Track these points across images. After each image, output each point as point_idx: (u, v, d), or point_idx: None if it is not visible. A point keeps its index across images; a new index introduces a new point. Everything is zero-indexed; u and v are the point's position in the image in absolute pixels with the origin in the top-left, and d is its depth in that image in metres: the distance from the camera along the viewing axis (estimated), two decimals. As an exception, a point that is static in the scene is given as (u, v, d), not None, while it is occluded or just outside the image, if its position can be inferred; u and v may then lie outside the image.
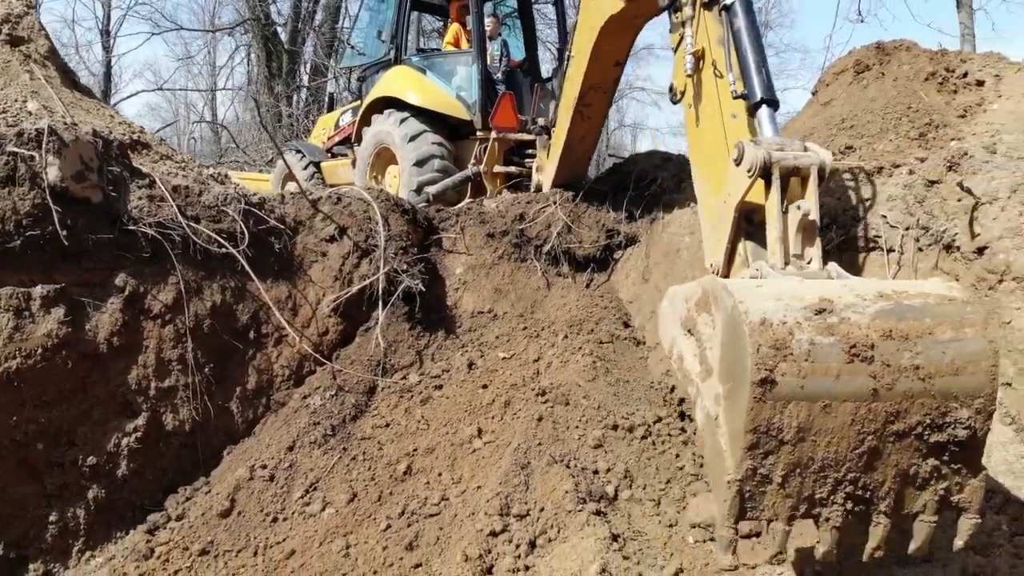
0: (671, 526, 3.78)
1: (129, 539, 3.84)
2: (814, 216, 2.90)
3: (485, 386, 4.93)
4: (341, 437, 4.58)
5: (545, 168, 6.71)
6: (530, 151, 8.18)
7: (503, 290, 6.01)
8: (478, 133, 8.06)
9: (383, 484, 4.23)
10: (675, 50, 3.96)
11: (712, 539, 3.69)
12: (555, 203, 6.23)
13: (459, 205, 7.02)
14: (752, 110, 3.36)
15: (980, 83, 5.92)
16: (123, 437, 4.08)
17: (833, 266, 2.88)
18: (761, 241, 3.09)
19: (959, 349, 2.28)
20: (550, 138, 6.92)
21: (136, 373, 4.17)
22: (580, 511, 3.68)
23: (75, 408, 3.93)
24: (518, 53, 9.29)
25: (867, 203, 4.16)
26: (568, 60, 5.95)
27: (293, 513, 4.00)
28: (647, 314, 5.52)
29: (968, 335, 2.29)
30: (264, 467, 4.23)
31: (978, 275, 3.59)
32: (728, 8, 3.55)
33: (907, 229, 3.89)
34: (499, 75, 8.54)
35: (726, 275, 3.24)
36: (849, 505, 2.38)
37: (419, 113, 8.08)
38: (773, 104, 3.33)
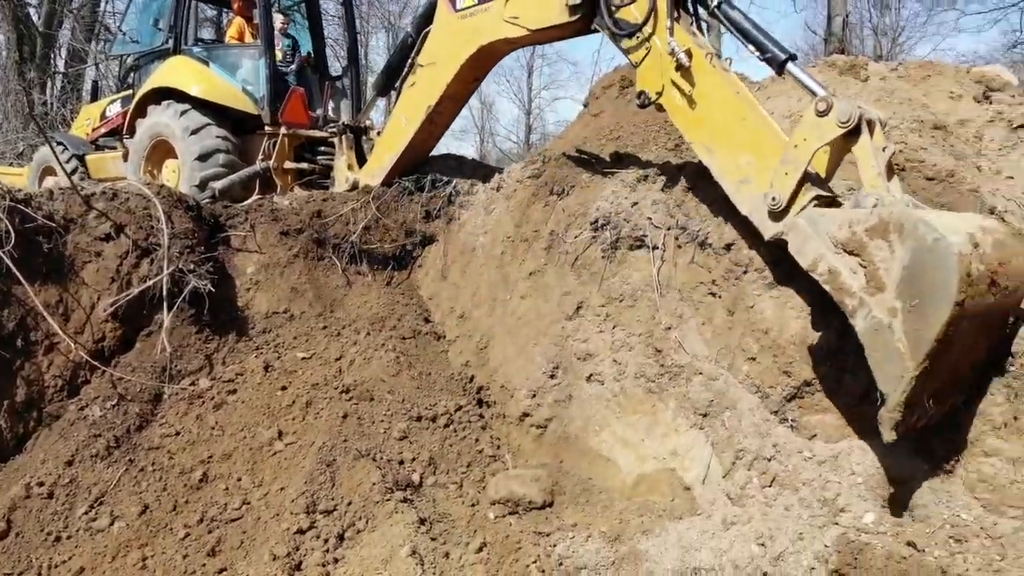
0: (473, 505, 4.03)
1: None
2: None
3: (284, 387, 4.88)
4: (126, 448, 4.34)
5: (368, 167, 6.71)
6: (323, 148, 8.12)
7: (300, 289, 5.93)
8: (266, 128, 7.85)
9: (177, 493, 4.07)
10: (637, 65, 4.43)
11: (511, 512, 3.98)
12: (357, 202, 6.25)
13: (247, 202, 6.79)
14: (780, 69, 3.99)
15: (728, 100, 6.80)
16: None
17: (908, 195, 3.56)
18: (813, 181, 3.70)
19: None
20: (358, 136, 6.93)
21: None
22: (388, 500, 3.81)
23: None
24: (304, 49, 9.15)
25: (635, 207, 4.66)
26: (414, 67, 6.01)
27: (78, 530, 3.74)
28: (446, 309, 5.75)
29: None
30: (41, 484, 3.90)
31: (727, 267, 4.19)
32: (719, 6, 4.21)
33: (668, 229, 4.44)
34: (289, 70, 8.38)
35: (788, 208, 3.68)
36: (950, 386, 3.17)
37: (201, 105, 7.69)
38: (795, 58, 4.03)
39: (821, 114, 3.55)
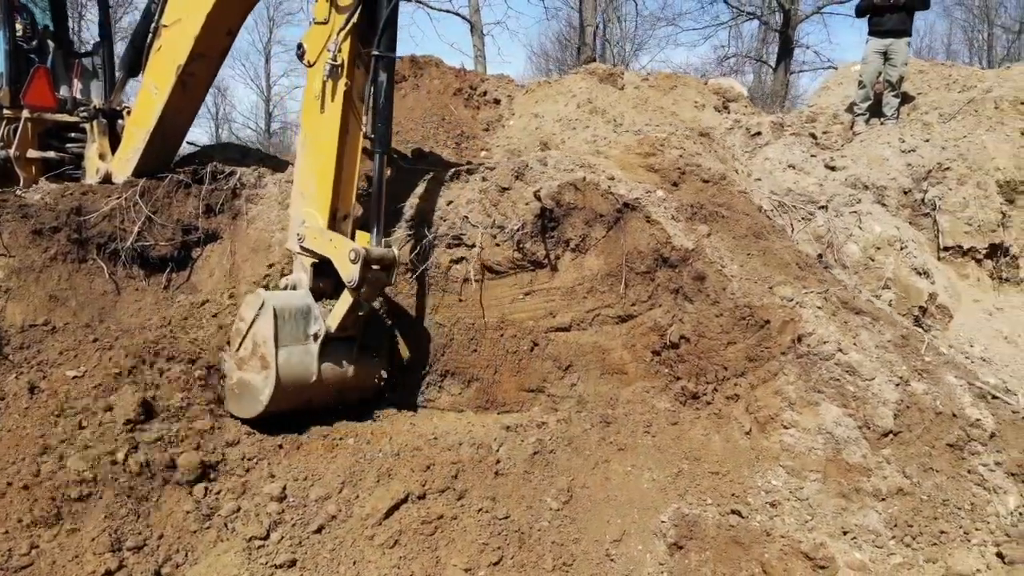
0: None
1: None
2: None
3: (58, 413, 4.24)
4: None
5: (119, 154, 5.93)
6: (73, 135, 7.14)
7: (61, 297, 5.19)
8: (4, 112, 6.74)
9: (-57, 546, 3.41)
10: (319, 22, 4.19)
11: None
12: (122, 196, 5.56)
13: (-17, 197, 5.79)
14: (372, 153, 4.14)
15: (497, 101, 7.09)
16: None
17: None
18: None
19: None
20: (112, 121, 6.14)
21: None
22: (207, 528, 3.50)
23: None
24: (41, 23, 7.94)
25: (450, 205, 4.69)
26: (157, 30, 5.43)
27: None
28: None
29: None
30: None
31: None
32: (379, 59, 4.04)
33: (486, 228, 4.52)
34: (31, 46, 7.24)
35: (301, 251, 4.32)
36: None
37: None
38: (388, 154, 4.21)
39: (352, 260, 3.98)
